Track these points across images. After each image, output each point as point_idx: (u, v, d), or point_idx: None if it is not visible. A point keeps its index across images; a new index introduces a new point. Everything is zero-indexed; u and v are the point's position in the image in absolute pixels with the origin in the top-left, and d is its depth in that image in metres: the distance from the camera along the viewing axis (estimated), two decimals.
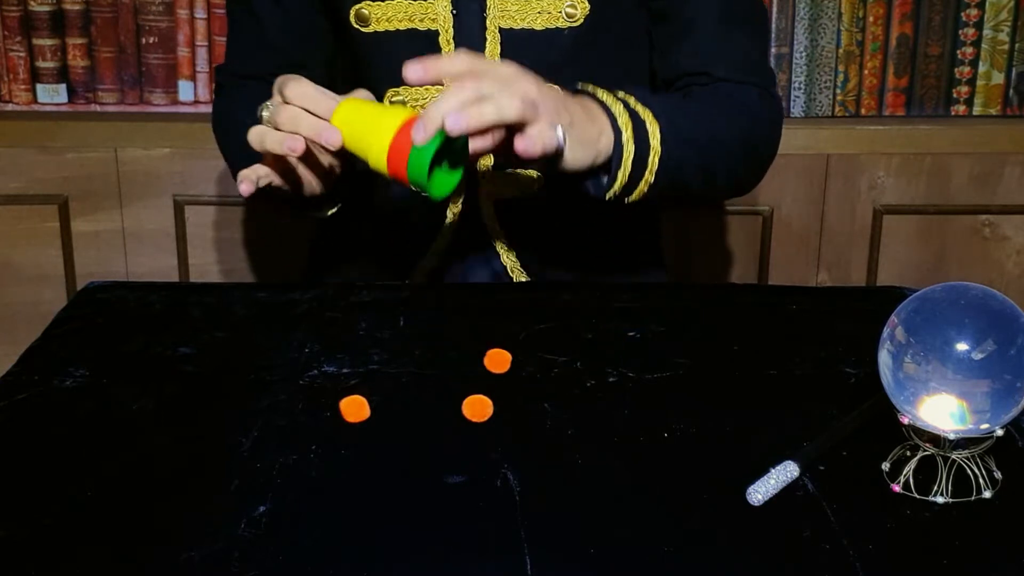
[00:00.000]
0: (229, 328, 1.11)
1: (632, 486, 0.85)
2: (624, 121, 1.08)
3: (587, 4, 1.22)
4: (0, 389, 0.99)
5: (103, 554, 0.77)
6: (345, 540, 0.78)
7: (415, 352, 1.05)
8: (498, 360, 1.02)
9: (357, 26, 1.24)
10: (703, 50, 1.25)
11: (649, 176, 1.10)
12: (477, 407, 0.94)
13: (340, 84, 1.34)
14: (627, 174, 1.09)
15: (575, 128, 1.05)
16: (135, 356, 1.05)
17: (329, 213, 1.21)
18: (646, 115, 1.10)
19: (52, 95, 1.90)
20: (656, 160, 1.10)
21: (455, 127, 0.96)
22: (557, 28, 1.22)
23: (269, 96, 1.11)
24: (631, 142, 1.08)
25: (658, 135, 1.10)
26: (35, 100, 1.90)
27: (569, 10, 1.21)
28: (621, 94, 1.11)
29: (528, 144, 1.01)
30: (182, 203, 1.91)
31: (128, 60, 1.89)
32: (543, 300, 1.14)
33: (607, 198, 1.11)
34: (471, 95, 0.98)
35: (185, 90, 1.91)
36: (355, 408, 0.94)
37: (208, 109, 1.90)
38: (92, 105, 1.91)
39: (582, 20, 1.22)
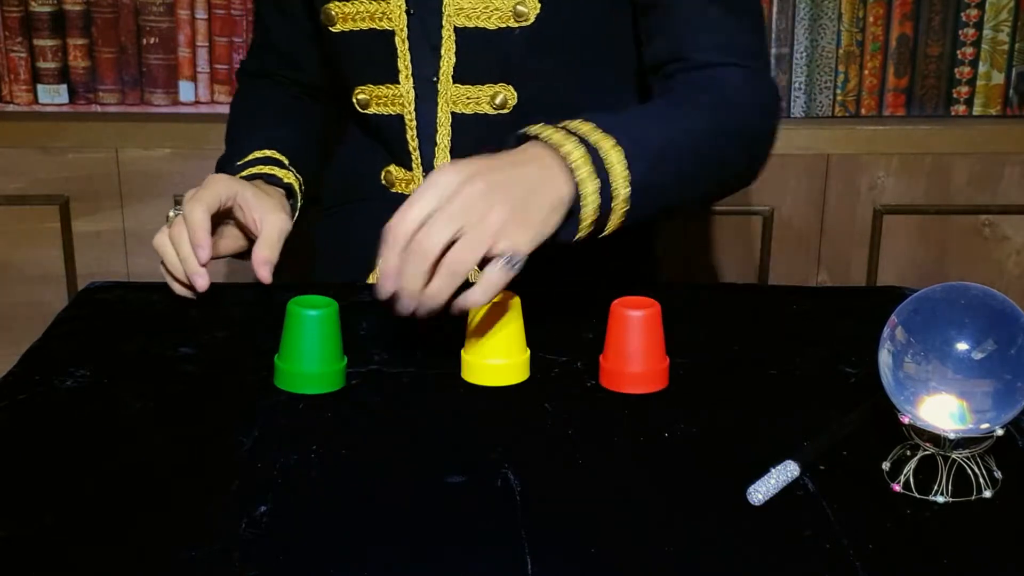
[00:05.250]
0: (229, 328, 1.11)
1: (632, 486, 0.85)
2: (586, 172, 0.98)
3: (538, 3, 1.19)
4: (1, 389, 0.99)
5: (103, 554, 0.77)
6: (345, 540, 0.78)
7: (415, 352, 1.05)
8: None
9: (326, 25, 1.26)
10: (682, 33, 1.18)
11: (617, 218, 1.01)
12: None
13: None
14: (591, 223, 1.00)
15: (529, 225, 0.94)
16: (135, 356, 1.05)
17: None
18: (606, 146, 0.99)
19: (53, 95, 1.90)
20: (623, 201, 1.01)
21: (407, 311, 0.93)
22: (508, 27, 1.21)
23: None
24: (593, 193, 0.98)
25: (626, 174, 1.00)
26: (36, 101, 1.90)
27: (519, 8, 1.20)
28: (577, 124, 1.01)
29: (475, 299, 0.93)
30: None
31: (129, 61, 1.90)
32: (543, 300, 1.13)
33: (575, 241, 1.01)
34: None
35: (186, 90, 1.91)
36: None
37: (209, 109, 1.92)
38: (93, 105, 1.91)
39: (533, 19, 1.21)
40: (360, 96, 1.29)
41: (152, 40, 1.88)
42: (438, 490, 0.84)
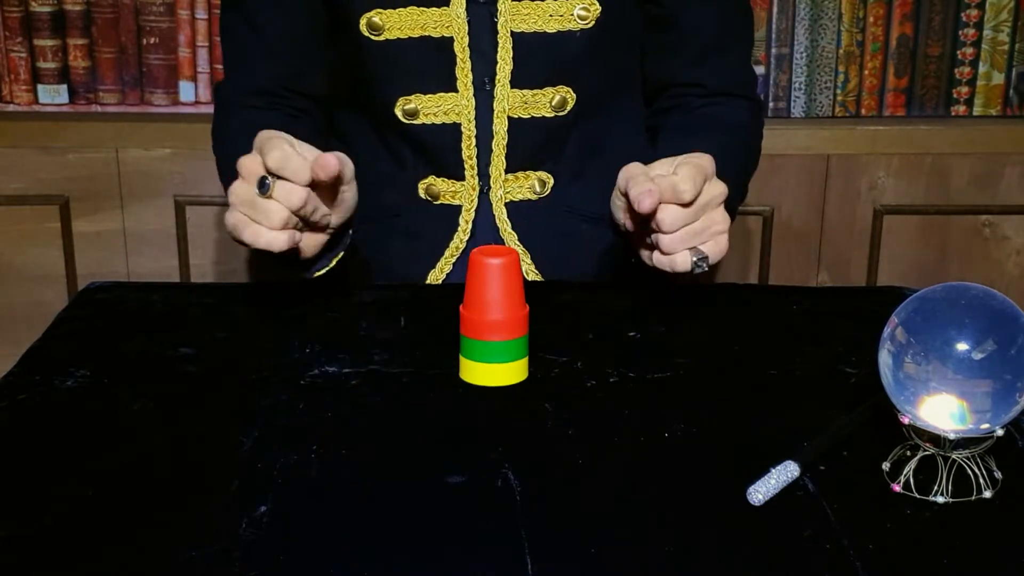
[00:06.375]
0: (230, 328, 1.11)
1: (632, 486, 0.85)
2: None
3: (598, 5, 1.21)
4: (1, 389, 0.99)
5: (103, 554, 0.77)
6: (345, 540, 0.78)
7: (415, 352, 1.05)
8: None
9: (368, 34, 1.22)
10: (700, 62, 1.27)
11: None
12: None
13: (341, 89, 1.33)
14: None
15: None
16: (135, 356, 1.05)
17: (316, 274, 1.16)
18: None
19: (53, 95, 1.90)
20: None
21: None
22: (569, 30, 1.22)
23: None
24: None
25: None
26: (36, 101, 1.91)
27: (581, 12, 1.21)
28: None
29: (667, 264, 1.05)
30: (183, 203, 1.91)
31: (129, 61, 1.90)
32: (543, 300, 1.13)
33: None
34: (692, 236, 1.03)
35: (186, 91, 1.91)
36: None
37: (209, 109, 1.91)
38: (93, 106, 1.91)
39: (593, 22, 1.22)
40: (407, 107, 1.25)
41: (152, 40, 1.88)
42: (438, 490, 0.84)
